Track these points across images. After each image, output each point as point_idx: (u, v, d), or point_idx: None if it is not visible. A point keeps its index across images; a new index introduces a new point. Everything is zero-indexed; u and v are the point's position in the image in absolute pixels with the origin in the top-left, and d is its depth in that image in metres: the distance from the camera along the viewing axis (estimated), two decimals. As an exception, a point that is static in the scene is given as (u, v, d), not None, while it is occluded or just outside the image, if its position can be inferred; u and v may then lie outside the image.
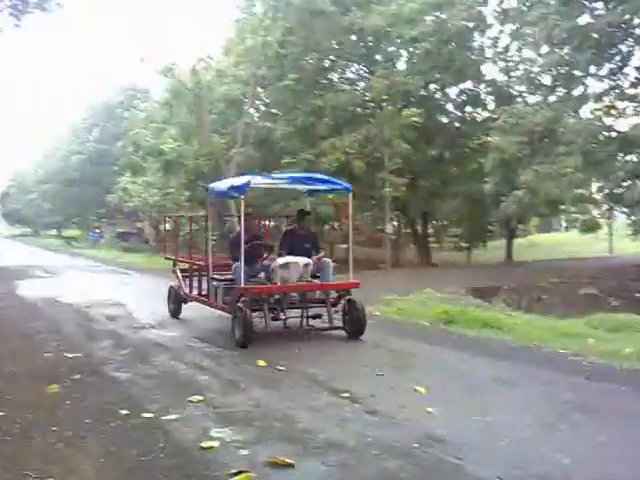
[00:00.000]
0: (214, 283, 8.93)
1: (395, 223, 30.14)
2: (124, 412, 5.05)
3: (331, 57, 25.86)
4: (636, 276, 17.65)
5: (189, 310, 10.04)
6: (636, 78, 17.95)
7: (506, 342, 8.19)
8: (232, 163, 24.40)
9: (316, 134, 23.36)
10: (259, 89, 26.34)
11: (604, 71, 18.27)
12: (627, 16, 16.14)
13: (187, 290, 9.95)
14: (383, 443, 4.40)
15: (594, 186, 19.74)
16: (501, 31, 22.76)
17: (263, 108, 29.18)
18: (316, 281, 8.51)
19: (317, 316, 8.51)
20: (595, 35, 16.48)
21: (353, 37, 25.06)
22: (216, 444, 4.35)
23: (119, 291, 14.57)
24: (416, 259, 27.32)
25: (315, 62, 24.52)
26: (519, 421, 4.91)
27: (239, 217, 8.76)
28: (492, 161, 18.86)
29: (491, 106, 25.46)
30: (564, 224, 30.80)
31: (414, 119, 20.96)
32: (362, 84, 25.89)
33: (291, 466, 3.96)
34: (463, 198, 24.75)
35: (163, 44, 55.99)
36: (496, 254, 26.67)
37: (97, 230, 49.35)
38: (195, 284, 9.77)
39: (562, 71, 18.61)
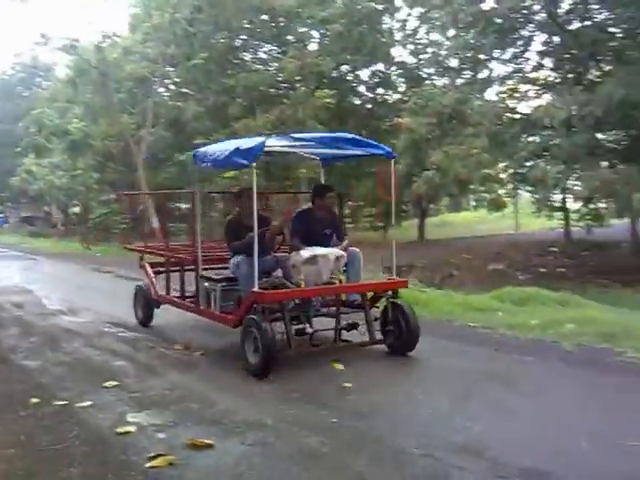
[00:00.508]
0: (206, 284, 6.77)
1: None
2: (35, 400, 4.89)
3: (242, 37, 25.52)
4: (540, 251, 18.49)
5: (100, 294, 9.74)
6: (537, 62, 18.67)
7: (420, 317, 8.38)
8: (142, 143, 23.79)
9: (229, 114, 23.08)
10: (168, 68, 25.72)
11: (507, 55, 18.91)
12: (528, 2, 16.73)
13: (161, 291, 7.79)
14: (302, 420, 4.45)
15: (500, 166, 20.49)
16: (409, 14, 23.11)
17: (173, 87, 28.52)
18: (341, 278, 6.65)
19: (353, 326, 6.35)
20: (498, 20, 16.98)
21: (264, 17, 24.79)
22: (133, 429, 4.28)
23: (26, 277, 14.00)
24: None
25: (226, 41, 24.13)
26: (433, 393, 5.09)
27: (238, 193, 6.99)
28: (404, 142, 19.18)
29: (402, 88, 25.87)
30: (473, 203, 31.81)
31: (327, 100, 21.02)
32: (275, 64, 25.71)
33: (210, 447, 3.95)
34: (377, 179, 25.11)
35: (66, 19, 53.55)
36: (410, 233, 27.27)
37: (0, 214, 47.06)
38: (171, 283, 7.68)
39: (468, 54, 19.12)
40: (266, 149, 5.93)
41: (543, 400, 4.91)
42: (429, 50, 22.74)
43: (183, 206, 20.10)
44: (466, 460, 3.75)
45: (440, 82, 22.09)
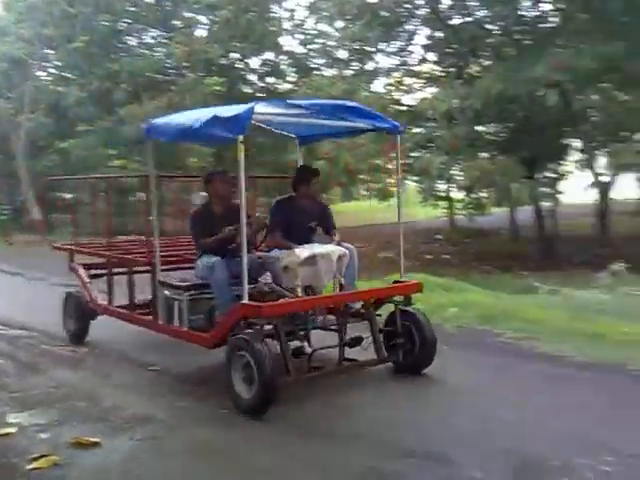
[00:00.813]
0: (167, 292, 5.42)
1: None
2: None
3: (126, 20, 24.69)
4: (427, 239, 19.21)
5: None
6: (422, 56, 19.24)
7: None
8: (21, 130, 22.63)
9: (113, 100, 22.29)
10: (47, 50, 24.50)
11: (393, 48, 19.35)
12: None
13: (101, 300, 6.44)
14: (193, 413, 4.42)
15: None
16: (298, 4, 23.22)
17: (54, 71, 27.19)
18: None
19: (357, 341, 5.14)
20: (384, 13, 17.31)
21: (149, 0, 24.13)
22: (13, 430, 4.10)
23: None
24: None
25: (109, 24, 23.28)
26: (321, 381, 5.10)
27: (207, 178, 5.65)
28: (294, 131, 19.24)
29: (292, 78, 25.93)
30: (364, 193, 32.44)
31: (217, 88, 20.75)
32: (162, 50, 25.05)
33: (97, 445, 3.85)
34: (272, 168, 25.06)
35: None
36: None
37: None
38: (115, 288, 6.44)
39: (356, 46, 19.43)
40: (257, 117, 4.75)
41: (426, 383, 5.10)
42: (318, 41, 22.94)
43: (67, 196, 19.29)
44: (366, 447, 3.84)
45: (329, 73, 22.34)
